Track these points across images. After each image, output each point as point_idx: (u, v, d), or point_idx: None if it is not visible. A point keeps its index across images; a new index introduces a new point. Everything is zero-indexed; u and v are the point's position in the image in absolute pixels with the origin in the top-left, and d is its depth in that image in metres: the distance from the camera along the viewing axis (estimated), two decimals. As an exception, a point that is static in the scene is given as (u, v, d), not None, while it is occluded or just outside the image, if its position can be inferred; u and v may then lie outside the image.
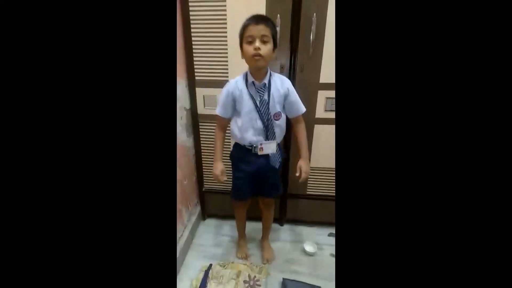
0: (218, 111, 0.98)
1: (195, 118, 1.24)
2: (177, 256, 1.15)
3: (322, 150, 1.23)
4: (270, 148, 0.97)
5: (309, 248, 1.27)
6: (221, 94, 0.96)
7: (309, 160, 1.14)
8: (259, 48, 0.82)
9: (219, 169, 1.00)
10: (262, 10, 1.02)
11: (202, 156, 1.32)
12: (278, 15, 1.03)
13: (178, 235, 1.19)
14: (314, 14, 1.01)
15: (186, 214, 1.29)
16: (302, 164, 0.99)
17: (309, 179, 1.30)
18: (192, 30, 1.08)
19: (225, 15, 1.05)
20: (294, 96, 0.95)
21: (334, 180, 1.29)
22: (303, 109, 0.97)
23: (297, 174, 0.98)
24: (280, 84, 0.93)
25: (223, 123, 1.00)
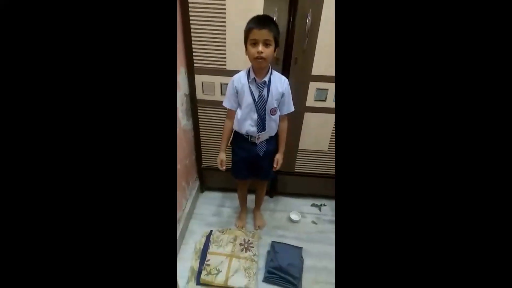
0: (224, 103, 1.08)
1: (194, 103, 1.33)
2: (182, 224, 1.34)
3: (309, 135, 1.38)
4: (264, 137, 1.11)
5: (294, 216, 1.50)
6: (227, 87, 1.06)
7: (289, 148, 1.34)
8: (262, 52, 0.90)
9: (219, 159, 1.16)
10: (260, 4, 1.06)
11: (201, 138, 1.43)
12: (276, 9, 1.07)
13: (182, 208, 1.37)
14: (310, 9, 1.06)
15: (188, 189, 1.45)
16: (279, 157, 1.17)
17: (296, 159, 1.48)
18: (191, 20, 1.11)
19: (224, 5, 1.07)
20: (289, 96, 1.06)
21: (318, 160, 1.47)
22: (292, 108, 1.09)
23: (275, 166, 1.17)
24: (280, 83, 1.03)
25: (230, 114, 1.10)
